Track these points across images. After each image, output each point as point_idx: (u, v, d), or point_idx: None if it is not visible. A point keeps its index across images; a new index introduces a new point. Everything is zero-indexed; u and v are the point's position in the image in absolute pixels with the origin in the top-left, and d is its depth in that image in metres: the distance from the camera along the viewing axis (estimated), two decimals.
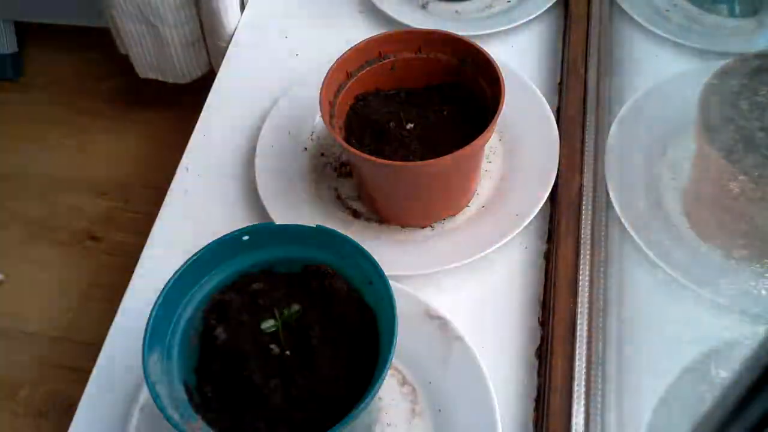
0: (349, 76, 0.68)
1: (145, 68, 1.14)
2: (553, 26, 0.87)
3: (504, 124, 0.75)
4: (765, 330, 0.27)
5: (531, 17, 0.86)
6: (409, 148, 0.65)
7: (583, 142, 0.72)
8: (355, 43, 0.68)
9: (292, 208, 0.70)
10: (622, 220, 0.66)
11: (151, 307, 0.51)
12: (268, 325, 0.52)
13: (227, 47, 0.91)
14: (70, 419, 0.62)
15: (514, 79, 0.77)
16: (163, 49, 1.07)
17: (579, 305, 0.61)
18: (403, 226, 0.70)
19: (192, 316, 0.55)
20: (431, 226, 0.70)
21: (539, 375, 0.61)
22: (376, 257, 0.53)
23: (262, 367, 0.52)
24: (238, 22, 0.93)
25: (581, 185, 0.69)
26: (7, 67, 1.52)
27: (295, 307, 0.52)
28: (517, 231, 0.67)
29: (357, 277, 0.55)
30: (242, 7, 0.94)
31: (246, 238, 0.56)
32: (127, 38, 1.08)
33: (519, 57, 0.84)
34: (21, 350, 1.16)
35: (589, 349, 0.59)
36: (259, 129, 0.77)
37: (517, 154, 0.73)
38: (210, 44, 1.04)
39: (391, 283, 0.53)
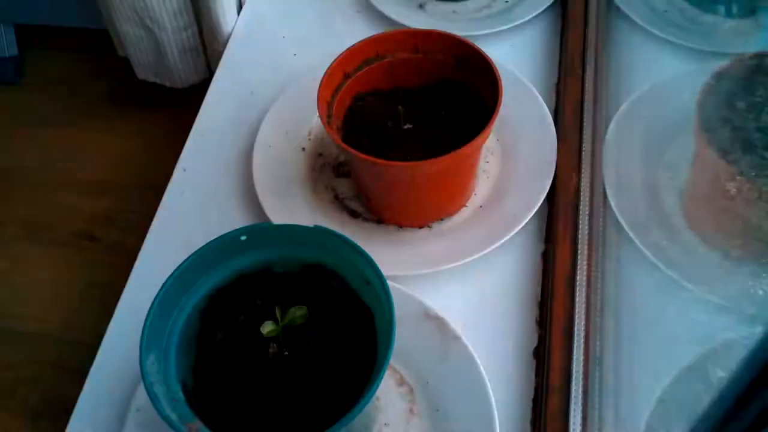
0: (346, 76, 0.68)
1: (144, 71, 1.14)
2: (550, 26, 0.88)
3: (501, 125, 0.75)
4: (763, 330, 0.27)
5: (529, 17, 0.86)
6: (407, 148, 0.65)
7: (580, 142, 0.72)
8: (353, 43, 0.68)
9: (290, 208, 0.70)
10: (620, 220, 0.66)
11: (148, 307, 0.51)
12: (268, 329, 0.51)
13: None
14: (68, 420, 0.62)
15: (512, 79, 0.77)
16: (161, 54, 1.07)
17: (577, 305, 0.61)
18: (401, 226, 0.70)
19: (190, 316, 0.54)
20: (429, 226, 0.70)
21: (537, 375, 0.61)
22: (373, 257, 0.53)
23: (260, 368, 0.52)
24: (236, 22, 0.93)
25: (579, 186, 0.69)
26: (8, 71, 1.52)
27: (300, 311, 0.52)
28: (514, 231, 0.67)
29: (355, 277, 0.55)
30: (239, 7, 0.94)
31: (244, 238, 0.56)
32: (126, 41, 1.08)
33: (517, 57, 0.84)
34: (18, 351, 1.16)
35: (586, 349, 0.59)
36: (256, 129, 0.77)
37: (514, 154, 0.74)
38: (209, 49, 1.04)
39: (389, 283, 0.52)
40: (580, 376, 0.57)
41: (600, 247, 0.66)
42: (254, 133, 0.77)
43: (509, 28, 0.86)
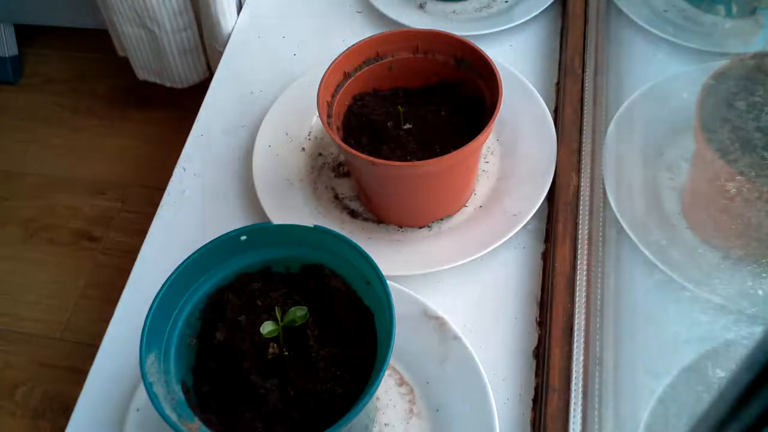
0: (346, 76, 0.68)
1: (144, 71, 1.14)
2: (550, 26, 0.88)
3: (501, 125, 0.75)
4: (762, 330, 0.27)
5: (528, 17, 0.86)
6: (407, 148, 0.65)
7: (580, 142, 0.72)
8: (353, 43, 0.68)
9: (290, 208, 0.70)
10: (620, 220, 0.66)
11: (148, 307, 0.51)
12: (268, 329, 0.51)
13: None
14: (68, 419, 0.62)
15: (512, 79, 0.77)
16: (161, 55, 1.07)
17: (576, 305, 0.61)
18: (400, 226, 0.70)
19: (190, 316, 0.54)
20: (429, 226, 0.70)
21: (537, 375, 0.61)
22: (373, 257, 0.53)
23: (260, 367, 0.52)
24: (236, 22, 0.93)
25: (579, 185, 0.69)
26: (8, 70, 1.52)
27: (300, 311, 0.52)
28: (514, 231, 0.67)
29: (355, 277, 0.55)
30: (239, 7, 0.94)
31: (244, 238, 0.56)
32: (126, 42, 1.08)
33: (516, 57, 0.84)
34: (18, 351, 1.16)
35: (586, 349, 0.59)
36: (256, 129, 0.77)
37: (514, 154, 0.74)
38: (209, 49, 1.04)
39: (389, 283, 0.53)
40: (580, 376, 0.57)
41: (600, 247, 0.66)
42: (254, 133, 0.77)
43: (509, 28, 0.86)
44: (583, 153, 0.71)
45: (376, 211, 0.70)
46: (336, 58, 0.67)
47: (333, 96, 0.67)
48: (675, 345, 0.61)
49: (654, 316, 0.64)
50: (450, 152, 0.60)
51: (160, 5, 0.99)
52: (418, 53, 0.70)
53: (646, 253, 0.63)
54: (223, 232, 0.55)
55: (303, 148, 0.76)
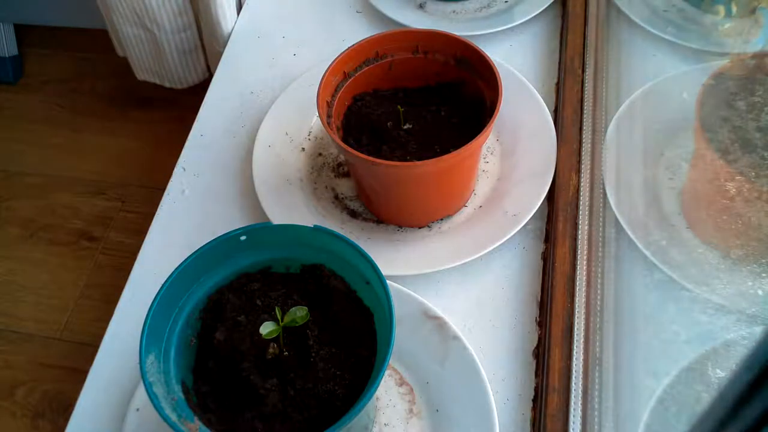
0: (346, 76, 0.68)
1: (143, 71, 1.14)
2: (550, 26, 0.88)
3: (501, 125, 0.75)
4: (762, 330, 0.27)
5: (528, 17, 0.86)
6: (407, 148, 0.65)
7: (580, 142, 0.72)
8: (353, 43, 0.68)
9: (290, 208, 0.70)
10: (620, 220, 0.66)
11: (148, 307, 0.51)
12: (268, 330, 0.51)
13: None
14: (68, 419, 0.62)
15: (512, 79, 0.77)
16: (161, 55, 1.07)
17: (576, 305, 0.61)
18: (400, 226, 0.70)
19: (189, 316, 0.54)
20: (429, 226, 0.70)
21: (537, 375, 0.61)
22: (373, 257, 0.53)
23: (260, 368, 0.52)
24: (236, 22, 0.93)
25: (578, 185, 0.69)
26: (8, 70, 1.52)
27: (300, 311, 0.52)
28: (514, 231, 0.67)
29: (354, 277, 0.55)
30: (239, 7, 0.94)
31: (243, 238, 0.56)
32: (126, 42, 1.08)
33: (516, 57, 0.84)
34: (18, 351, 1.16)
35: (586, 349, 0.59)
36: (256, 129, 0.77)
37: (514, 154, 0.74)
38: (209, 49, 1.04)
39: (389, 283, 0.53)
40: (580, 376, 0.57)
41: (600, 247, 0.66)
42: (254, 133, 0.77)
43: (509, 28, 0.86)
44: (583, 153, 0.71)
45: (376, 211, 0.70)
46: (336, 58, 0.67)
47: (333, 96, 0.67)
48: (675, 345, 0.61)
49: (654, 316, 0.64)
50: (450, 152, 0.60)
51: (159, 6, 0.99)
52: (418, 53, 0.70)
53: (646, 253, 0.63)
54: (223, 232, 0.55)
55: (303, 148, 0.76)
